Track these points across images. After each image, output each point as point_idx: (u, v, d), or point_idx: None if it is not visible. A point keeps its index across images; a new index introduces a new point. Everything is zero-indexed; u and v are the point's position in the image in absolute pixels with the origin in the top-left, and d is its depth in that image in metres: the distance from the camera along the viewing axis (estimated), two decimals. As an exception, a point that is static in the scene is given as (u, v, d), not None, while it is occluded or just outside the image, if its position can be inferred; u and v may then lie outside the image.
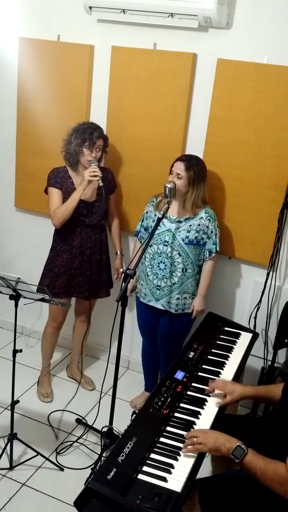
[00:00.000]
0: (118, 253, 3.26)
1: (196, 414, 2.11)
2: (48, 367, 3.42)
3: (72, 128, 2.95)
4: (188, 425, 2.04)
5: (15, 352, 2.63)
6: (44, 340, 3.34)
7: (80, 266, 3.10)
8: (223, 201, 3.04)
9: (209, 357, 2.54)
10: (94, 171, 2.85)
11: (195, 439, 1.87)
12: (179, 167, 2.79)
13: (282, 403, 1.98)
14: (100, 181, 2.86)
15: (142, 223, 3.07)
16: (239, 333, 2.79)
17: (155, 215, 2.89)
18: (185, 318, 3.00)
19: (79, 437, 3.00)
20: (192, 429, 2.01)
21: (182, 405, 2.16)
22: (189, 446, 1.88)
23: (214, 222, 2.88)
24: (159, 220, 2.66)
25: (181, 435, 1.96)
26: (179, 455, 1.88)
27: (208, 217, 2.87)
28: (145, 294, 3.02)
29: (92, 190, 3.02)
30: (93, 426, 2.98)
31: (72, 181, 3.01)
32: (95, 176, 2.84)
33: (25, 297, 2.52)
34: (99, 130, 2.95)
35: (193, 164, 2.80)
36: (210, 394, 2.23)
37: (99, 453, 2.78)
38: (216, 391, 2.22)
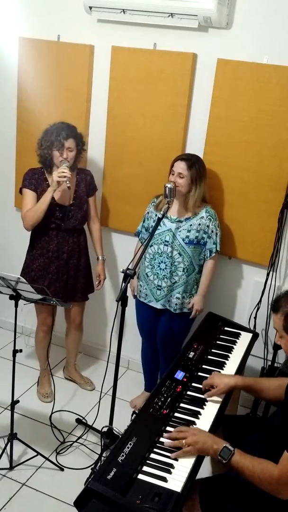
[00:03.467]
0: (100, 258, 3.18)
1: (196, 414, 2.11)
2: (47, 368, 3.40)
3: (43, 130, 2.89)
4: (188, 425, 2.03)
5: (15, 352, 2.63)
6: (37, 344, 3.32)
7: (57, 272, 3.02)
8: (223, 201, 3.04)
9: (209, 357, 2.54)
10: (63, 172, 2.76)
11: (183, 441, 1.87)
12: (181, 167, 2.78)
13: (286, 405, 1.96)
14: (67, 183, 2.76)
15: (143, 224, 3.06)
16: (239, 333, 2.79)
17: (156, 215, 2.89)
18: (185, 318, 3.00)
19: (79, 437, 3.00)
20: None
21: (182, 405, 2.17)
22: (179, 451, 1.86)
23: (215, 222, 2.88)
24: (159, 220, 2.66)
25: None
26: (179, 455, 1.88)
27: (209, 217, 2.86)
28: (146, 295, 3.02)
29: (67, 193, 2.93)
30: (93, 426, 2.98)
31: (47, 184, 2.92)
32: (64, 177, 2.75)
33: (25, 297, 2.52)
34: (68, 131, 2.84)
35: (194, 162, 2.80)
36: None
37: (99, 453, 2.78)
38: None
